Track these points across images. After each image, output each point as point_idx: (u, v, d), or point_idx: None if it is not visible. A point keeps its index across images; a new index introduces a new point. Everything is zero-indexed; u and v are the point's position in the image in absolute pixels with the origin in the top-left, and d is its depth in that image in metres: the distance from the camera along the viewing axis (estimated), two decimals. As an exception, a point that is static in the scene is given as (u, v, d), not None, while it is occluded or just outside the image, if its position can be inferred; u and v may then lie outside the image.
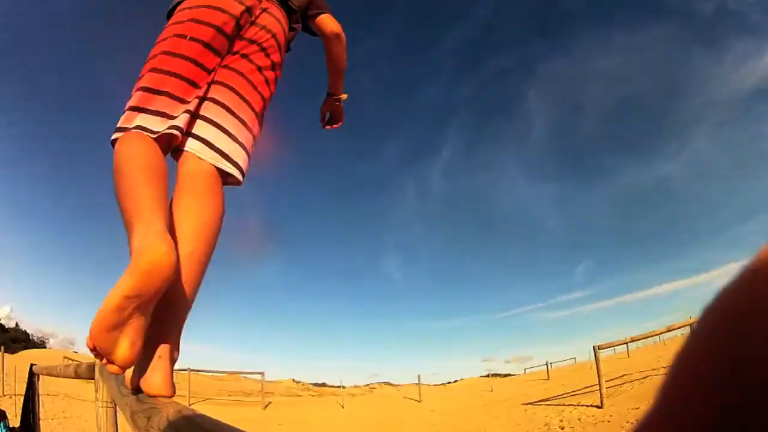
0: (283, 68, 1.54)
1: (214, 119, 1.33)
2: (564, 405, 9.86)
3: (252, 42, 1.42)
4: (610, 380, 10.08)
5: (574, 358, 32.53)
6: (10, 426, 6.05)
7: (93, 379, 1.93)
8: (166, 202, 1.12)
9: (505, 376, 39.84)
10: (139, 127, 1.22)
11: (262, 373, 17.63)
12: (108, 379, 1.65)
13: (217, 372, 21.08)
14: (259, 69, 1.44)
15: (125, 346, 0.90)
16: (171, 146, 1.29)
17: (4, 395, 10.93)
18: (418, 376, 18.65)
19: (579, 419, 8.18)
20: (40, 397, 4.48)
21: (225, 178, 1.34)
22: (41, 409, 4.65)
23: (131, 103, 1.27)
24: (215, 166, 1.30)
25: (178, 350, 1.11)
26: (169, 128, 1.24)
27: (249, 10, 1.40)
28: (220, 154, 1.32)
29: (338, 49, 1.82)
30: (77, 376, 2.28)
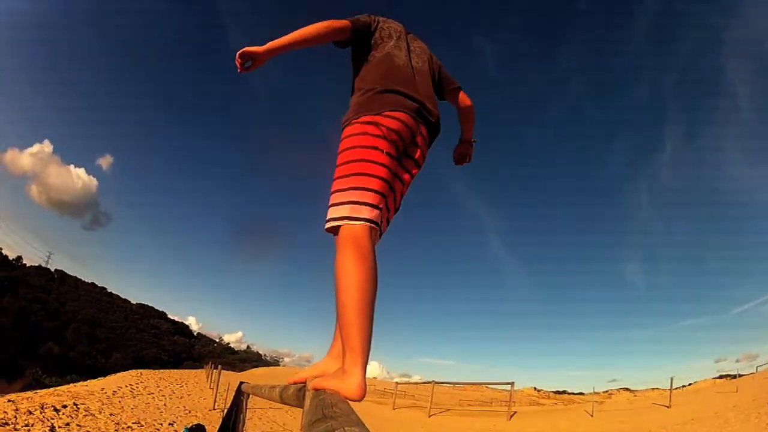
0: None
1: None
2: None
3: (413, 159, 1.92)
4: None
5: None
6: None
7: (301, 408, 1.45)
8: None
9: (735, 376, 34.67)
10: (369, 220, 1.62)
11: (511, 383, 16.98)
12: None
13: (463, 383, 21.20)
14: (412, 176, 1.95)
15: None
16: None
17: (214, 409, 12.09)
18: (671, 378, 16.36)
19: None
20: (245, 413, 4.38)
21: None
22: (245, 424, 4.52)
23: (352, 197, 1.65)
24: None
25: (365, 364, 1.41)
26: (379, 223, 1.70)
27: (417, 133, 1.88)
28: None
29: (473, 113, 2.46)
30: (282, 401, 1.89)
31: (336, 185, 1.70)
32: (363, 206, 1.63)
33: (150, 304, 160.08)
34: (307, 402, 1.35)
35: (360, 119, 1.76)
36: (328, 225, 1.66)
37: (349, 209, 1.62)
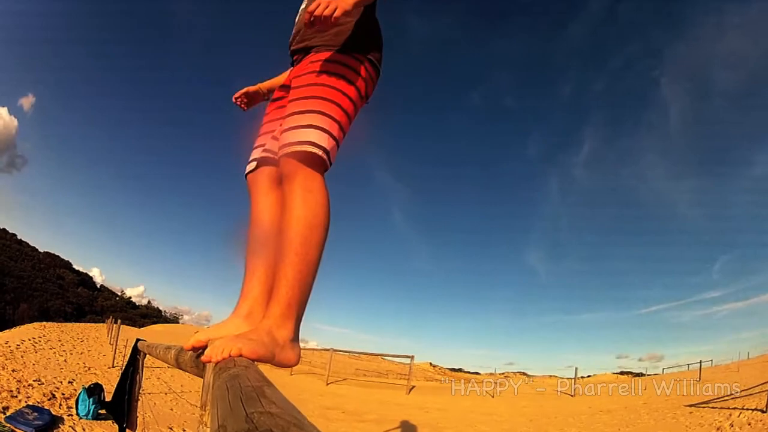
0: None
1: None
2: (729, 408, 9.53)
3: None
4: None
5: (711, 360, 27.89)
6: (104, 399, 6.05)
7: (201, 377, 1.16)
8: None
9: (638, 375, 38.22)
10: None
11: (411, 357, 17.33)
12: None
13: (360, 353, 21.26)
14: None
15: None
16: None
17: (113, 366, 11.47)
18: (575, 369, 17.20)
19: (749, 424, 8.04)
20: (142, 373, 4.30)
21: None
22: (141, 384, 4.44)
23: (338, 136, 1.45)
24: None
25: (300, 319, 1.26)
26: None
27: None
28: None
29: None
30: (178, 366, 1.68)
31: (323, 106, 1.42)
32: (336, 152, 1.43)
33: (56, 253, 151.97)
34: (209, 374, 1.02)
35: (368, 63, 1.58)
36: (310, 149, 1.34)
37: (332, 148, 1.40)
